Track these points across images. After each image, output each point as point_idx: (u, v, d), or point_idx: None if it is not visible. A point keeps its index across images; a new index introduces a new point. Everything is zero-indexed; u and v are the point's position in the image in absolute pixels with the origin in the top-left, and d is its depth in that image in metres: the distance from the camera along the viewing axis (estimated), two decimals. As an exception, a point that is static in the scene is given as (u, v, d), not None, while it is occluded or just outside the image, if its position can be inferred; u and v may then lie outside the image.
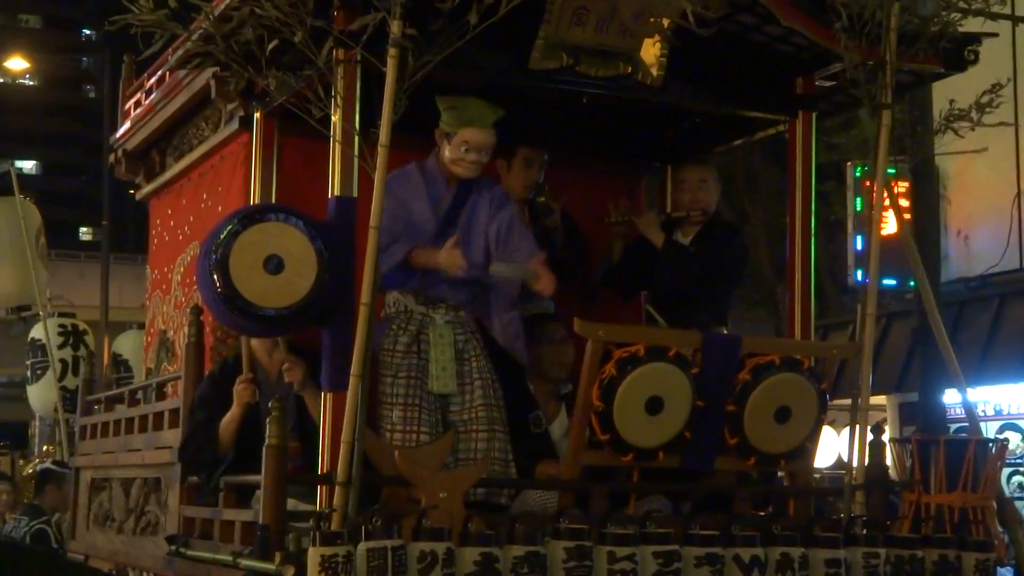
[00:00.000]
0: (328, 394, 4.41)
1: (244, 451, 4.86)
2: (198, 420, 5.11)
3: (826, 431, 5.24)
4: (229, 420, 5.03)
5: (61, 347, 11.43)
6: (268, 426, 4.25)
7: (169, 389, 5.96)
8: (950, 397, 10.20)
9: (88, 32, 58.17)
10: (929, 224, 9.68)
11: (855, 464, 4.84)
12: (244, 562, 4.29)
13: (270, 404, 4.31)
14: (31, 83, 56.66)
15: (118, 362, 11.36)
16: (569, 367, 5.26)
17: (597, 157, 6.15)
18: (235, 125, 5.51)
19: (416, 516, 3.97)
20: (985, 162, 11.97)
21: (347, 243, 4.50)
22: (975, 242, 12.60)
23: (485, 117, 4.82)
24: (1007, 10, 5.80)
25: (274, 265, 4.40)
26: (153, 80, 6.41)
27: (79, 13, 56.55)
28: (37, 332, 11.88)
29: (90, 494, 6.72)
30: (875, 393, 5.63)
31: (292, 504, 4.37)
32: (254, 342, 5.11)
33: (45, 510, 8.86)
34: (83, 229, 53.22)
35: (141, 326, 7.77)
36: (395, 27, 4.15)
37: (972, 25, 5.08)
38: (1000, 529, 5.03)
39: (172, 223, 6.49)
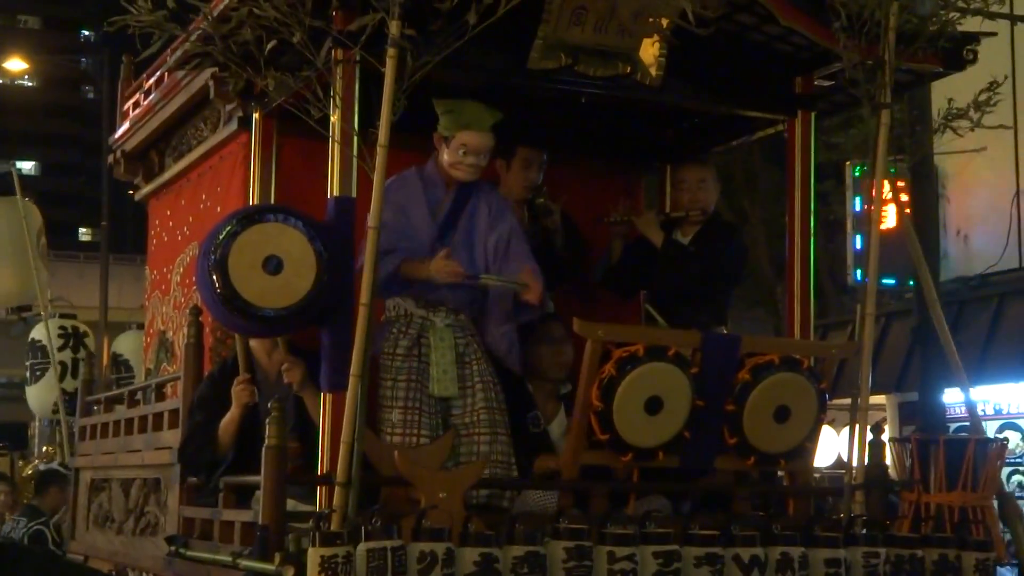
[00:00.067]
0: (327, 395, 4.41)
1: (244, 452, 4.86)
2: (197, 421, 5.11)
3: (826, 431, 5.23)
4: (228, 421, 5.03)
5: (61, 349, 11.42)
6: (267, 427, 4.25)
7: (168, 390, 5.96)
8: (949, 396, 10.20)
9: (87, 33, 58.17)
10: (928, 223, 9.68)
11: (855, 464, 4.83)
12: (244, 563, 4.29)
13: (269, 405, 4.31)
14: (30, 84, 56.67)
15: (119, 362, 11.36)
16: (568, 367, 5.25)
17: (596, 157, 6.15)
18: (234, 125, 5.51)
19: (416, 516, 3.97)
20: (984, 161, 11.98)
21: (346, 243, 4.50)
22: (974, 241, 12.60)
23: (483, 120, 4.82)
24: (1006, 9, 5.80)
25: (273, 265, 4.40)
26: (152, 81, 6.41)
27: (78, 14, 56.59)
28: (37, 333, 11.88)
29: (90, 495, 6.72)
30: (875, 392, 5.63)
31: (292, 505, 4.37)
32: (253, 343, 5.11)
33: (44, 511, 8.85)
34: (82, 230, 53.23)
35: (141, 326, 7.77)
36: (394, 27, 4.15)
37: (971, 24, 5.08)
38: (1002, 526, 5.04)
39: (171, 223, 6.49)
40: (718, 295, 5.65)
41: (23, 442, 19.09)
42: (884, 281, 11.33)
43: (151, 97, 6.39)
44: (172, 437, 5.39)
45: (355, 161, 4.39)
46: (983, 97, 5.06)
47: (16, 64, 30.50)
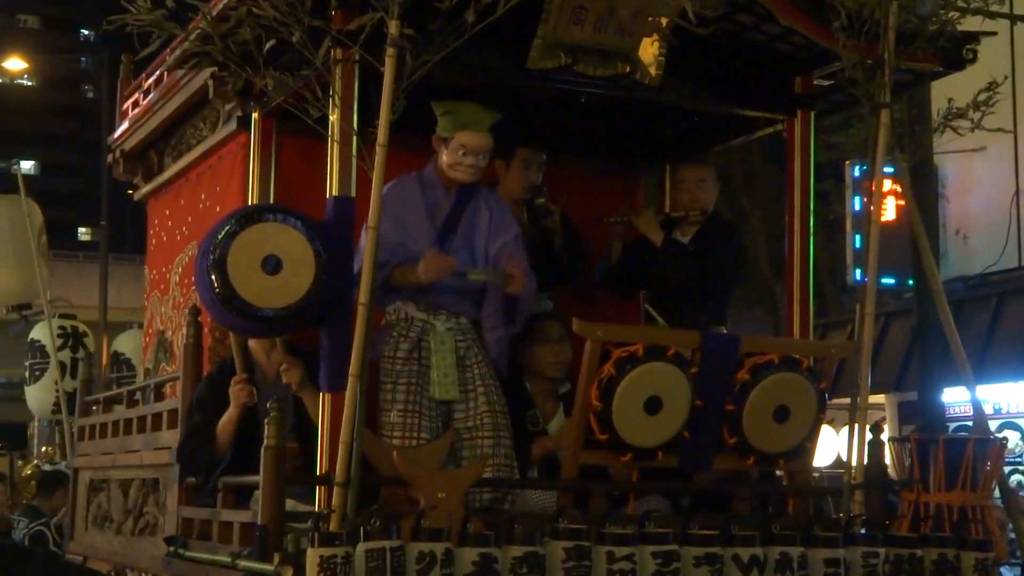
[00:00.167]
0: (327, 395, 4.41)
1: (242, 452, 4.85)
2: (196, 421, 5.10)
3: (825, 430, 5.23)
4: (227, 421, 5.02)
5: (60, 349, 11.42)
6: (266, 427, 4.24)
7: (167, 390, 5.95)
8: (949, 396, 10.20)
9: (86, 32, 58.18)
10: (927, 223, 9.64)
11: (854, 463, 4.83)
12: (243, 563, 4.28)
13: (268, 405, 4.31)
14: (29, 83, 56.66)
15: (120, 361, 11.35)
16: (567, 367, 5.25)
17: (595, 157, 6.14)
18: (233, 125, 5.51)
19: (415, 517, 3.97)
20: (984, 161, 11.98)
21: (345, 243, 4.50)
22: (973, 241, 12.60)
23: (482, 120, 4.82)
24: (1005, 9, 5.80)
25: (272, 265, 4.39)
26: (151, 80, 6.40)
27: (77, 13, 56.59)
28: (36, 333, 11.88)
29: (89, 495, 6.72)
30: (874, 392, 5.64)
31: (291, 505, 4.37)
32: (252, 343, 5.11)
33: (44, 512, 8.84)
34: (81, 229, 53.23)
35: (142, 326, 7.78)
36: (393, 27, 4.15)
37: (970, 24, 5.08)
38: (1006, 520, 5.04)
39: (170, 223, 6.48)
40: (718, 295, 5.65)
41: (22, 442, 19.08)
42: (883, 281, 11.34)
43: (150, 97, 6.39)
44: (171, 437, 5.39)
45: (354, 161, 4.39)
46: (983, 97, 5.06)
47: (15, 63, 30.51)
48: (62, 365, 11.22)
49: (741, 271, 5.96)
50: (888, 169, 5.33)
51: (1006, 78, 5.26)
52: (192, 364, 5.39)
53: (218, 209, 5.62)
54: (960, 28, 5.01)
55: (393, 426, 4.74)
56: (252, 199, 5.28)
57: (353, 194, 4.48)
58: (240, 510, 4.76)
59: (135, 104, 6.68)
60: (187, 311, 5.54)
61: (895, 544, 4.58)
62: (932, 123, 5.35)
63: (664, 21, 4.83)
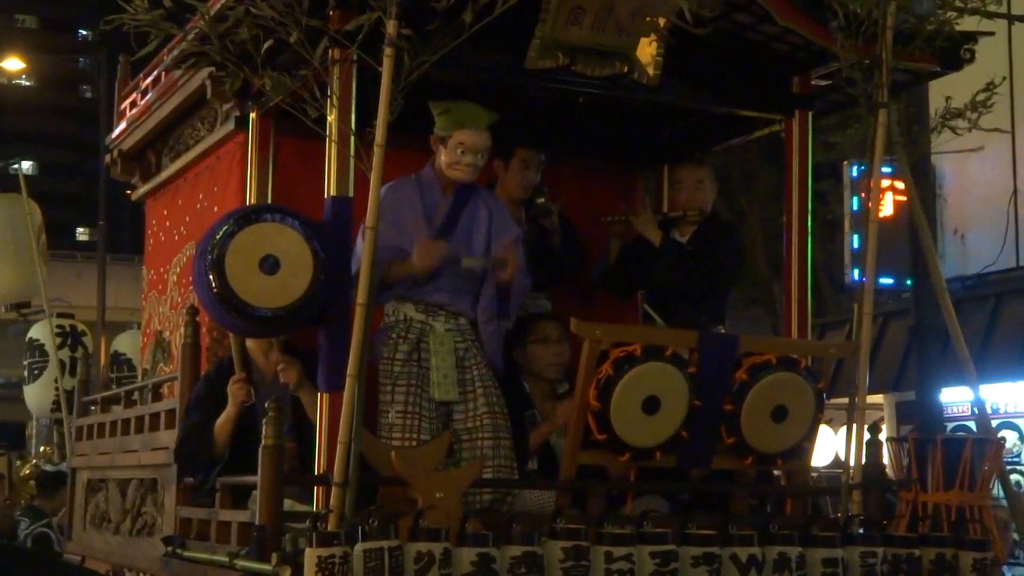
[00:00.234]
0: (325, 395, 4.41)
1: (240, 452, 4.85)
2: (194, 421, 5.10)
3: (823, 430, 5.24)
4: (225, 420, 5.02)
5: (59, 348, 11.43)
6: (264, 427, 4.24)
7: (165, 390, 5.95)
8: (947, 396, 10.19)
9: (84, 32, 58.12)
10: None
11: (852, 463, 4.83)
12: (241, 563, 4.29)
13: (266, 405, 4.31)
14: (27, 84, 56.63)
15: (121, 361, 11.36)
16: (565, 367, 5.25)
17: (593, 157, 6.15)
18: (231, 125, 5.51)
19: (413, 517, 3.97)
20: (981, 161, 11.97)
21: (343, 243, 4.50)
22: (971, 241, 12.59)
23: (480, 119, 4.81)
24: (1003, 9, 5.80)
25: (270, 265, 4.39)
26: (149, 80, 6.40)
27: (75, 13, 56.54)
28: (35, 332, 11.88)
29: (86, 495, 6.71)
30: (872, 392, 5.64)
31: (289, 505, 4.37)
32: (249, 343, 5.10)
33: (46, 512, 8.81)
34: (79, 229, 53.20)
35: (141, 326, 7.78)
36: (391, 27, 4.15)
37: (968, 24, 5.08)
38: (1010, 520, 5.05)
39: (168, 223, 6.48)
40: (716, 295, 5.65)
41: (20, 442, 19.06)
42: (881, 281, 11.32)
43: (148, 97, 6.38)
44: (169, 437, 5.38)
45: (352, 161, 4.39)
46: (981, 98, 5.06)
47: (13, 64, 30.48)
48: (62, 364, 11.23)
49: (739, 271, 5.96)
50: (886, 169, 5.34)
51: (1004, 79, 5.25)
52: (190, 364, 5.39)
53: (216, 209, 5.62)
54: (958, 28, 5.01)
55: (393, 427, 4.73)
56: (250, 199, 5.28)
57: (351, 194, 4.48)
58: (238, 510, 4.76)
59: (133, 104, 6.68)
60: (185, 311, 5.54)
61: (893, 544, 4.58)
62: (930, 123, 5.34)
63: (662, 21, 4.83)
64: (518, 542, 4.00)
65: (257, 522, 4.22)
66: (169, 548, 5.10)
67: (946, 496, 4.94)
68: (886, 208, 11.19)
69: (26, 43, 45.45)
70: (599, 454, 4.61)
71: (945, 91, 5.30)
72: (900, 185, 10.12)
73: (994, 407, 12.38)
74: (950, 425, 10.65)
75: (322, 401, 4.42)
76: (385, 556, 3.79)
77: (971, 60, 5.10)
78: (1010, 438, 11.69)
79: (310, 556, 3.78)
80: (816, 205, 5.46)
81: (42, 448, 14.44)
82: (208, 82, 5.35)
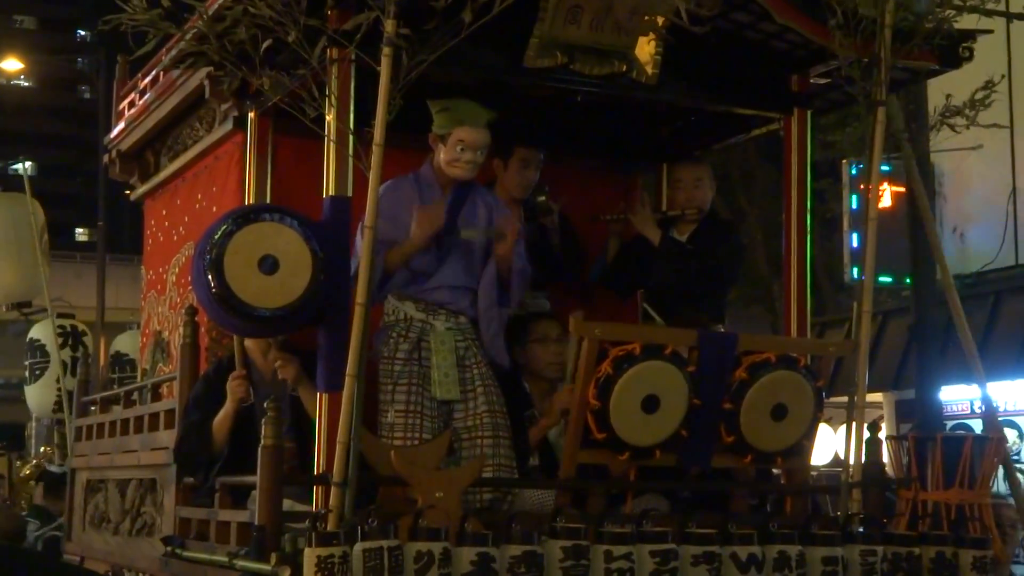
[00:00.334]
0: (324, 395, 4.41)
1: (240, 452, 4.85)
2: (193, 420, 5.10)
3: (822, 429, 5.23)
4: (223, 417, 5.01)
5: (60, 348, 11.43)
6: (264, 427, 4.24)
7: (165, 390, 5.95)
8: (946, 394, 10.19)
9: (83, 33, 58.10)
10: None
11: (852, 461, 4.83)
12: (240, 563, 4.28)
13: (265, 405, 4.31)
14: (26, 84, 56.61)
15: (124, 362, 11.35)
16: (565, 366, 5.24)
17: (592, 156, 6.14)
18: (229, 125, 5.51)
19: (412, 516, 3.97)
20: (980, 159, 11.97)
21: (342, 243, 4.49)
22: (970, 239, 12.59)
23: (479, 116, 4.81)
24: (1002, 7, 5.79)
25: (269, 265, 4.39)
26: (147, 80, 6.40)
27: (74, 14, 56.50)
28: (36, 333, 11.87)
29: (86, 495, 6.71)
30: (871, 390, 5.64)
31: (288, 505, 4.37)
32: (248, 343, 5.10)
33: (54, 513, 8.77)
34: (79, 230, 53.19)
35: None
36: (389, 26, 4.14)
37: (967, 22, 5.07)
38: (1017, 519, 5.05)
39: (167, 223, 6.48)
40: (715, 293, 5.65)
41: (20, 443, 19.05)
42: (881, 279, 11.32)
43: (146, 97, 6.38)
44: (168, 437, 5.38)
45: (351, 160, 4.38)
46: (980, 96, 5.05)
47: (12, 64, 30.51)
48: (63, 364, 11.23)
49: (738, 269, 5.96)
50: (885, 167, 5.34)
51: (1003, 77, 5.25)
52: (189, 364, 5.38)
53: (215, 209, 5.62)
54: (956, 26, 5.00)
55: (394, 426, 4.73)
56: (249, 199, 5.28)
57: (350, 194, 4.48)
58: (237, 510, 4.76)
59: (131, 104, 6.67)
60: (184, 311, 5.53)
61: (893, 542, 4.58)
62: (929, 121, 5.34)
63: (660, 20, 4.83)
64: (518, 541, 4.00)
65: (256, 522, 4.22)
66: (168, 548, 5.09)
67: (946, 494, 4.94)
68: (884, 199, 11.18)
69: (25, 43, 45.46)
70: (599, 453, 4.61)
71: (944, 89, 5.30)
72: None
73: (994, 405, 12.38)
74: (950, 423, 10.66)
75: (321, 401, 4.41)
76: (385, 556, 3.79)
77: (970, 58, 5.09)
78: (1010, 436, 11.69)
79: (309, 556, 3.77)
80: (815, 203, 5.46)
81: (42, 448, 14.42)
82: (206, 82, 5.36)
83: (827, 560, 4.43)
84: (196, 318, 5.41)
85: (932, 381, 9.34)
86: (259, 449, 4.24)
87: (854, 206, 12.39)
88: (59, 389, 10.96)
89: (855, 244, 12.38)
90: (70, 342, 11.75)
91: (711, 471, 4.87)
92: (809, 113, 5.32)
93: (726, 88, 5.22)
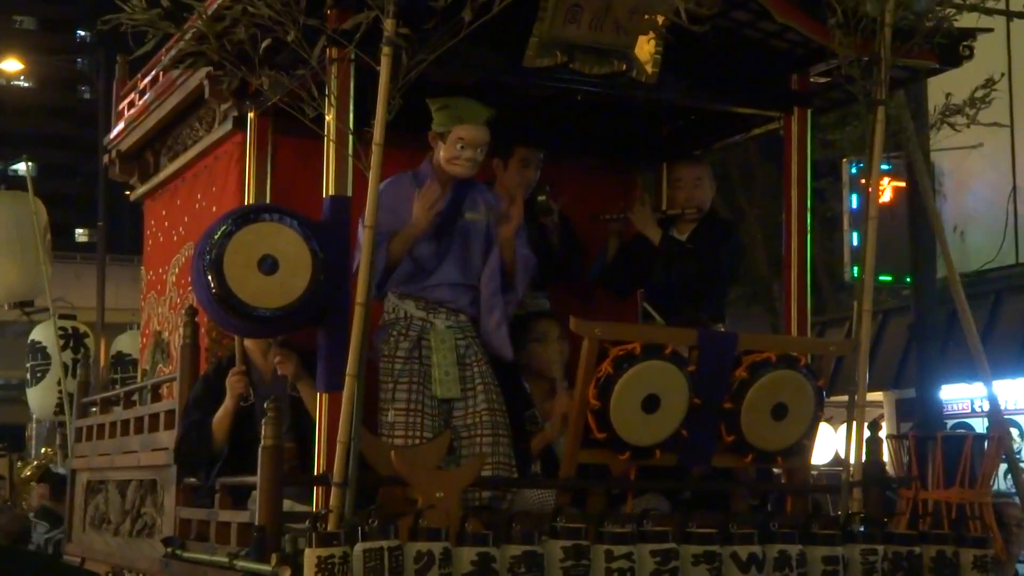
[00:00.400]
0: (324, 395, 4.40)
1: (240, 453, 4.84)
2: (193, 420, 5.09)
3: (823, 428, 5.23)
4: (223, 414, 5.00)
5: (61, 350, 11.43)
6: (264, 427, 4.24)
7: (164, 391, 5.94)
8: (947, 393, 10.19)
9: (83, 33, 58.12)
10: (924, 220, 9.66)
11: (852, 461, 4.83)
12: (240, 563, 4.28)
13: (265, 405, 4.30)
14: (26, 85, 56.64)
15: (125, 361, 11.35)
16: (565, 365, 5.24)
17: (592, 155, 6.14)
18: (229, 125, 5.50)
19: (413, 516, 3.96)
20: (980, 158, 11.97)
21: (342, 243, 4.49)
22: (971, 238, 12.59)
23: (478, 114, 4.81)
24: (1002, 5, 5.79)
25: (268, 265, 4.39)
26: (147, 80, 6.40)
27: (73, 14, 56.53)
28: (37, 335, 11.87)
29: (86, 496, 6.71)
30: (872, 389, 5.63)
31: (288, 505, 4.37)
32: (248, 343, 5.10)
33: (62, 516, 8.75)
34: (79, 230, 53.22)
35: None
36: (388, 25, 4.14)
37: (967, 20, 5.07)
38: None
39: (166, 224, 6.48)
40: (715, 292, 5.65)
41: (20, 444, 19.06)
42: (881, 278, 11.32)
43: (146, 97, 6.38)
44: (168, 438, 5.37)
45: (350, 160, 4.38)
46: (980, 94, 5.05)
47: (12, 65, 30.50)
48: (64, 366, 11.23)
49: (738, 269, 5.96)
50: (885, 166, 5.35)
51: (1003, 75, 5.25)
52: (189, 365, 5.38)
53: (214, 209, 5.62)
54: (957, 25, 5.00)
55: (394, 425, 4.73)
56: (248, 199, 5.27)
57: (349, 194, 4.48)
58: (238, 510, 4.75)
59: (131, 104, 6.67)
60: (184, 311, 5.53)
61: (894, 541, 4.58)
62: (929, 119, 5.34)
63: (660, 19, 4.82)
64: (518, 541, 4.00)
65: (257, 522, 4.21)
66: (169, 549, 5.09)
67: (946, 493, 4.94)
68: (885, 194, 11.18)
69: (24, 44, 45.46)
70: (599, 453, 4.61)
71: (944, 88, 5.29)
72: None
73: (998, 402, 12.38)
74: (950, 422, 10.66)
75: (321, 401, 4.41)
76: (385, 556, 3.79)
77: (970, 57, 5.09)
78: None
79: (310, 556, 3.77)
80: (815, 203, 5.46)
81: (43, 449, 14.42)
82: (206, 82, 5.35)
83: (828, 559, 4.42)
84: (196, 319, 5.40)
85: (932, 380, 9.34)
86: (259, 449, 4.24)
87: (854, 205, 12.39)
88: (60, 391, 10.95)
89: (855, 243, 12.38)
90: (71, 344, 11.75)
91: (711, 471, 4.86)
92: (809, 112, 5.32)
93: (726, 87, 5.21)
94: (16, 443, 18.29)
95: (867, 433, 4.85)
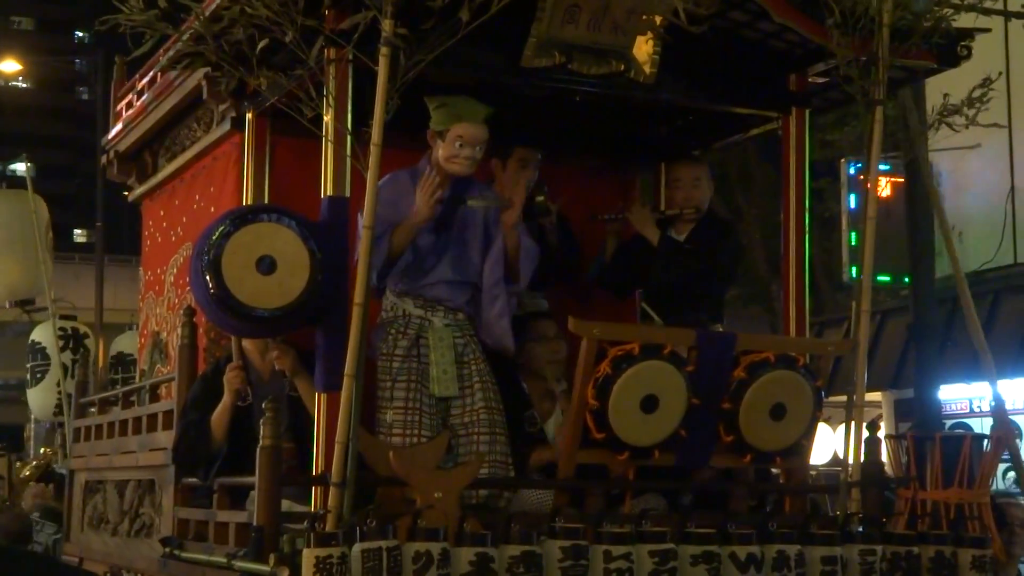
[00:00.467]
0: (323, 395, 4.40)
1: (238, 453, 4.84)
2: (191, 420, 5.09)
3: (821, 428, 5.23)
4: (221, 412, 5.00)
5: (61, 350, 11.43)
6: (262, 427, 4.24)
7: (163, 391, 5.94)
8: (945, 393, 10.20)
9: (81, 34, 58.14)
10: (922, 220, 9.68)
11: (851, 461, 4.83)
12: (239, 564, 4.28)
13: (263, 405, 4.30)
14: (24, 85, 56.64)
15: (126, 361, 11.34)
16: (563, 365, 5.25)
17: (590, 155, 6.14)
18: (227, 126, 5.50)
19: (411, 516, 3.96)
20: (978, 158, 11.98)
21: (340, 243, 4.49)
22: (969, 238, 12.60)
23: (477, 112, 4.81)
24: (999, 6, 5.79)
25: (267, 266, 4.38)
26: (144, 81, 6.39)
27: (72, 15, 56.55)
28: (37, 335, 11.87)
29: (84, 496, 6.71)
30: (870, 390, 5.63)
31: (287, 505, 4.36)
32: (246, 343, 5.09)
33: None
34: (77, 231, 53.23)
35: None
36: (386, 26, 4.14)
37: (965, 21, 5.07)
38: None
39: (165, 224, 6.47)
40: (714, 293, 5.65)
41: (19, 444, 19.05)
42: (879, 278, 11.33)
43: (144, 97, 6.37)
44: (166, 438, 5.37)
45: (348, 160, 4.38)
46: (977, 94, 5.05)
47: (10, 66, 30.51)
48: (64, 367, 11.22)
49: (737, 269, 5.95)
50: (884, 166, 5.35)
51: (1000, 75, 5.25)
52: (187, 365, 5.38)
53: (212, 210, 5.61)
54: (955, 25, 5.00)
55: (393, 424, 4.73)
56: (246, 199, 5.27)
57: (348, 194, 4.47)
58: (236, 511, 4.75)
59: (129, 105, 6.67)
60: (182, 312, 5.53)
61: (892, 542, 4.58)
62: (927, 119, 5.33)
63: (658, 19, 4.82)
64: (516, 541, 4.00)
65: (255, 523, 4.21)
66: (167, 549, 5.09)
67: (945, 494, 4.94)
68: (884, 190, 11.19)
69: (22, 45, 45.48)
70: (598, 453, 4.60)
71: (942, 88, 5.30)
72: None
73: (992, 404, 12.38)
74: (948, 422, 10.66)
75: (320, 401, 4.41)
76: (383, 556, 3.79)
77: (968, 57, 5.09)
78: (1009, 435, 11.68)
79: (308, 556, 3.77)
80: (813, 203, 5.45)
81: (42, 449, 14.41)
82: (204, 82, 5.35)
83: (826, 560, 4.42)
84: (194, 319, 5.40)
85: (931, 380, 9.35)
86: (257, 449, 4.23)
87: (852, 205, 12.40)
88: (59, 392, 10.95)
89: (853, 243, 12.39)
90: (71, 344, 11.74)
91: (715, 472, 4.87)
92: (807, 112, 5.32)
93: (724, 87, 5.21)
94: (15, 443, 18.28)
95: (865, 433, 4.85)
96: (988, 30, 5.23)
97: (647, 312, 5.54)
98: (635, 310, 5.85)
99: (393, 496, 4.34)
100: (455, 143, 4.81)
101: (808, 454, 5.03)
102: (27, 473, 11.85)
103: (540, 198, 5.54)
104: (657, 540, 4.20)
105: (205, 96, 5.43)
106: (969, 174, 12.49)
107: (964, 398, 12.44)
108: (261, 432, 4.25)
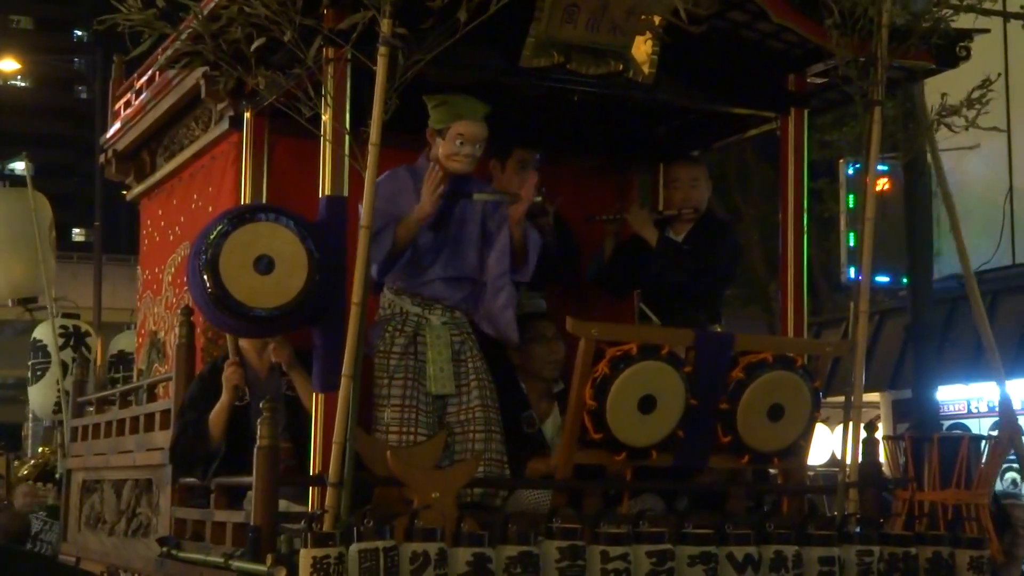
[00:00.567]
0: (320, 395, 4.40)
1: (235, 453, 4.84)
2: (188, 419, 5.08)
3: (819, 429, 5.23)
4: (219, 410, 4.99)
5: (62, 349, 11.42)
6: (259, 427, 4.24)
7: (160, 390, 5.94)
8: (943, 394, 10.20)
9: (80, 33, 58.13)
10: (921, 221, 9.68)
11: (849, 461, 4.83)
12: (236, 564, 4.28)
13: (260, 405, 4.30)
14: (23, 84, 56.63)
15: (127, 360, 11.33)
16: (561, 365, 5.25)
17: (589, 155, 6.14)
18: (225, 125, 5.50)
19: (408, 516, 3.96)
20: (977, 159, 11.98)
21: (338, 243, 4.48)
22: (967, 239, 12.57)
23: (477, 110, 4.81)
24: (998, 6, 5.79)
25: (264, 265, 4.38)
26: (143, 80, 6.39)
27: (71, 14, 56.53)
28: (38, 333, 11.86)
29: (81, 496, 6.70)
30: (868, 390, 5.62)
31: (284, 505, 4.36)
32: (243, 343, 5.09)
33: None
34: (76, 230, 53.20)
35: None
36: (385, 25, 4.14)
37: (964, 21, 5.07)
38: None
39: (163, 223, 6.47)
40: (712, 293, 5.65)
41: (17, 443, 19.04)
42: (877, 279, 11.32)
43: (142, 97, 6.37)
44: (163, 438, 5.37)
45: (347, 160, 4.38)
46: (976, 95, 5.05)
47: (9, 64, 30.54)
48: (64, 365, 11.21)
49: (735, 269, 5.95)
50: (882, 167, 5.35)
51: (999, 75, 5.25)
52: (185, 364, 5.37)
53: (211, 209, 5.61)
54: (954, 25, 5.00)
55: (389, 422, 4.73)
56: (245, 199, 5.27)
57: (346, 193, 4.47)
58: (233, 511, 4.75)
59: (127, 104, 6.66)
60: (180, 311, 5.52)
61: (889, 542, 4.58)
62: (927, 118, 5.33)
63: (657, 19, 4.82)
64: (514, 542, 4.00)
65: (252, 523, 4.21)
66: (164, 549, 5.09)
67: (943, 494, 4.94)
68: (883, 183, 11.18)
69: (21, 44, 45.47)
70: (595, 453, 4.60)
71: (940, 89, 5.30)
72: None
73: (991, 405, 12.40)
74: (946, 423, 10.66)
75: (317, 400, 4.41)
76: (380, 556, 3.79)
77: (967, 57, 5.09)
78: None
79: (305, 557, 3.77)
80: (812, 203, 5.45)
81: (40, 448, 14.40)
82: (202, 81, 5.35)
83: (823, 560, 4.42)
84: (192, 318, 5.40)
85: (929, 381, 9.35)
86: (255, 449, 4.23)
87: (851, 206, 12.39)
88: (59, 390, 10.94)
89: (852, 243, 12.38)
90: (72, 343, 11.73)
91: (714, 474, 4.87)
92: (806, 113, 5.32)
93: (723, 88, 5.21)
94: (13, 442, 18.27)
95: (863, 434, 4.86)
96: (987, 31, 5.23)
97: (645, 312, 5.54)
98: (633, 310, 5.85)
99: (390, 496, 4.34)
100: (455, 141, 4.81)
101: (806, 455, 5.02)
102: (25, 472, 11.85)
103: (538, 198, 5.53)
104: (654, 540, 4.20)
105: (203, 95, 5.43)
106: (968, 175, 12.48)
107: (962, 399, 12.44)
108: (258, 432, 4.24)
